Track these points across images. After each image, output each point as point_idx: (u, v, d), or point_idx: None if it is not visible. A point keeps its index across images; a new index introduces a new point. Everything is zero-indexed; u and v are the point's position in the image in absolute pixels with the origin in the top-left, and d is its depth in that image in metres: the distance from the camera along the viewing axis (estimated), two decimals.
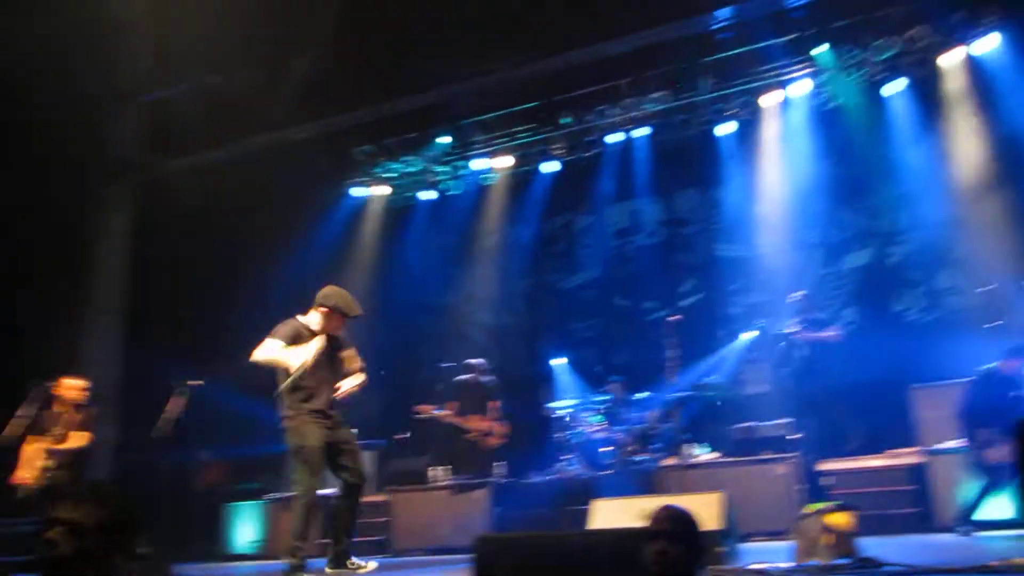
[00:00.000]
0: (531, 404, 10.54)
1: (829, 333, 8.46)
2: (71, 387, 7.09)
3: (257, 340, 10.00)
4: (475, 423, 8.97)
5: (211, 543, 7.08)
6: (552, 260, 12.03)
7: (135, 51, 10.72)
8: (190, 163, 10.85)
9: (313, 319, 5.66)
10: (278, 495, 9.27)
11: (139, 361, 10.08)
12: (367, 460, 9.56)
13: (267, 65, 10.31)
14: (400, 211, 11.99)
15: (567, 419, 9.19)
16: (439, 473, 8.51)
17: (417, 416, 9.00)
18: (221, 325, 9.83)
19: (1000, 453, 5.99)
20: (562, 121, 10.60)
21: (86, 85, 10.02)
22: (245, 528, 9.20)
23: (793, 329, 8.51)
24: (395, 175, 11.54)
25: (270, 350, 5.48)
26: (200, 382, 6.93)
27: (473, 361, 9.48)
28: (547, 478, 8.76)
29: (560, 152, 10.97)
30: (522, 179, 11.44)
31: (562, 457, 8.93)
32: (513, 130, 10.99)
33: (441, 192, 11.70)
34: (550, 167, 11.14)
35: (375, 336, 11.26)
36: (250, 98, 10.27)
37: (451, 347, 10.60)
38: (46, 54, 9.12)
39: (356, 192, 11.79)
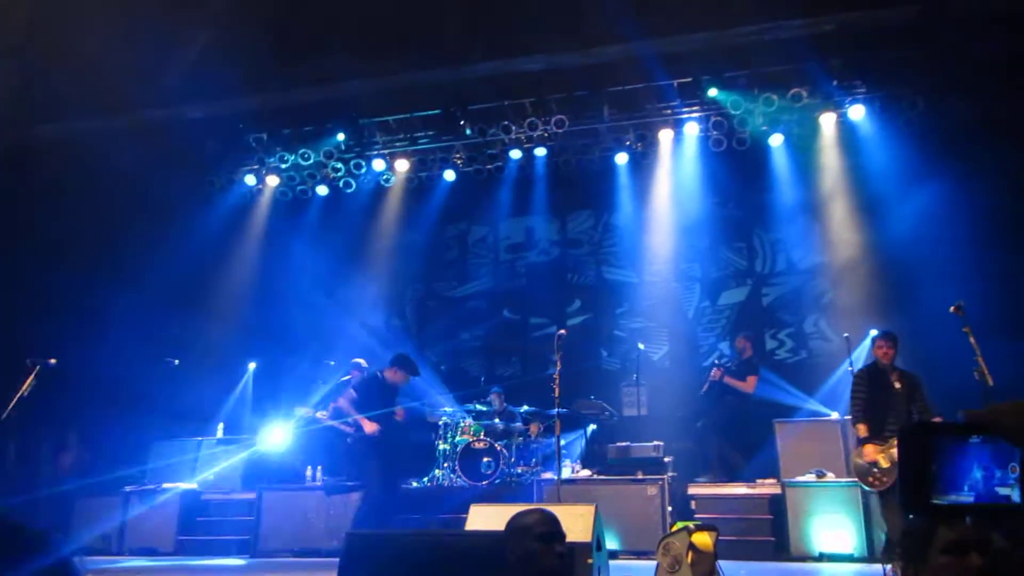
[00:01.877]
0: (413, 409, 10.44)
1: (746, 384, 8.71)
2: None
3: (132, 322, 9.50)
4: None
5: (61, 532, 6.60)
6: (444, 268, 12.00)
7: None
8: (74, 129, 10.17)
9: None
10: (137, 488, 8.82)
11: None
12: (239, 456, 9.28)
13: (164, 38, 9.82)
14: (293, 204, 11.67)
15: (448, 427, 9.14)
16: (315, 473, 8.28)
17: (299, 417, 8.74)
18: (88, 303, 9.24)
19: None
20: (465, 132, 10.61)
21: None
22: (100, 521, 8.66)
23: (715, 372, 8.73)
24: (289, 166, 11.21)
25: None
26: (54, 361, 6.46)
27: (358, 360, 9.31)
28: (425, 484, 8.67)
29: (460, 161, 10.99)
30: (420, 184, 11.37)
31: (442, 465, 8.87)
32: (415, 135, 10.93)
33: (336, 189, 11.45)
34: (449, 175, 11.13)
35: (253, 329, 10.91)
36: (142, 71, 9.75)
37: (336, 345, 10.35)
38: None
39: (248, 180, 11.39)
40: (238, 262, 11.34)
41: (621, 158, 10.61)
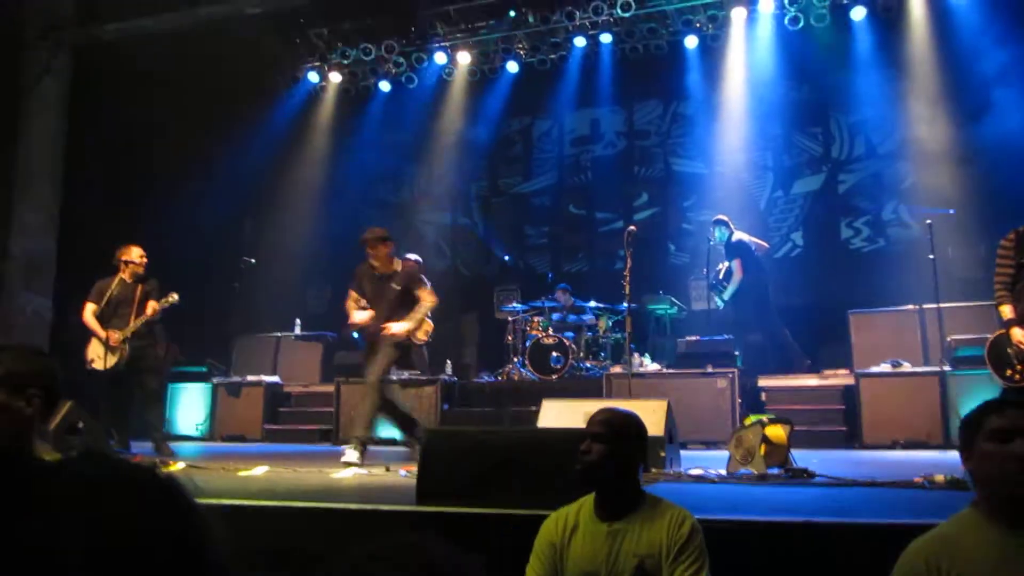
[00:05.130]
0: (482, 306, 10.59)
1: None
2: (136, 254, 6.70)
3: (204, 223, 9.72)
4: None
5: (150, 421, 7.01)
6: (508, 164, 11.87)
7: None
8: (134, 29, 10.20)
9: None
10: (225, 379, 9.24)
11: (75, 232, 9.72)
12: (315, 352, 9.61)
13: None
14: (354, 101, 11.61)
15: (517, 323, 9.26)
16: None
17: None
18: (162, 199, 9.47)
19: None
20: (527, 20, 10.27)
21: None
22: (191, 410, 9.16)
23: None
24: (350, 62, 11.09)
25: None
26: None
27: (409, 256, 9.40)
28: (496, 379, 8.86)
29: (523, 52, 10.69)
30: (482, 77, 11.14)
31: (512, 359, 9.03)
32: (475, 24, 10.63)
33: (399, 84, 11.31)
34: (512, 67, 10.86)
35: (324, 227, 11.08)
36: None
37: (404, 245, 10.47)
38: None
39: (311, 77, 11.34)
40: (306, 161, 11.44)
41: (691, 42, 10.16)
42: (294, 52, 11.21)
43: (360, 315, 6.09)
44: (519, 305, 9.42)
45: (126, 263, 6.70)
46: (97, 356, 6.54)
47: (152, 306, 6.58)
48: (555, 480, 3.28)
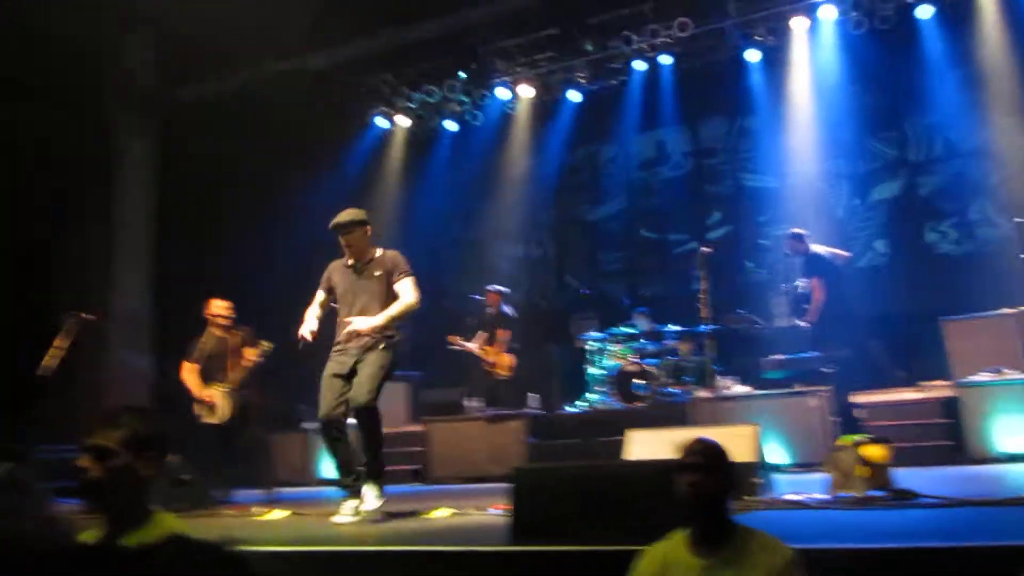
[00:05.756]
0: (561, 336, 10.59)
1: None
2: (222, 307, 7.02)
3: (283, 268, 10.02)
4: (489, 353, 9.07)
5: (257, 469, 7.20)
6: (577, 191, 11.93)
7: None
8: (209, 90, 10.73)
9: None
10: (314, 425, 9.37)
11: (169, 289, 10.16)
12: (401, 392, 9.74)
13: None
14: (423, 143, 11.86)
15: (597, 351, 9.22)
16: (474, 404, 8.62)
17: (450, 346, 9.09)
18: (248, 253, 9.86)
19: None
20: (584, 48, 10.35)
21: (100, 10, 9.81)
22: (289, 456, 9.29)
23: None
24: (416, 105, 11.37)
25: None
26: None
27: (491, 288, 9.47)
28: (580, 410, 8.83)
29: (583, 80, 10.75)
30: (545, 109, 11.26)
31: (595, 389, 8.99)
32: (534, 58, 10.76)
33: (464, 123, 11.53)
34: (574, 96, 10.94)
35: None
36: (267, 22, 10.05)
37: (479, 279, 10.58)
38: None
39: (379, 122, 11.65)
40: (378, 204, 11.68)
41: (752, 55, 10.06)
42: (361, 100, 11.54)
43: (310, 315, 5.13)
44: (597, 333, 9.40)
45: (213, 317, 6.96)
46: (205, 410, 6.75)
47: (248, 355, 6.79)
48: (647, 514, 3.26)
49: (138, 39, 10.80)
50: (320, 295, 5.23)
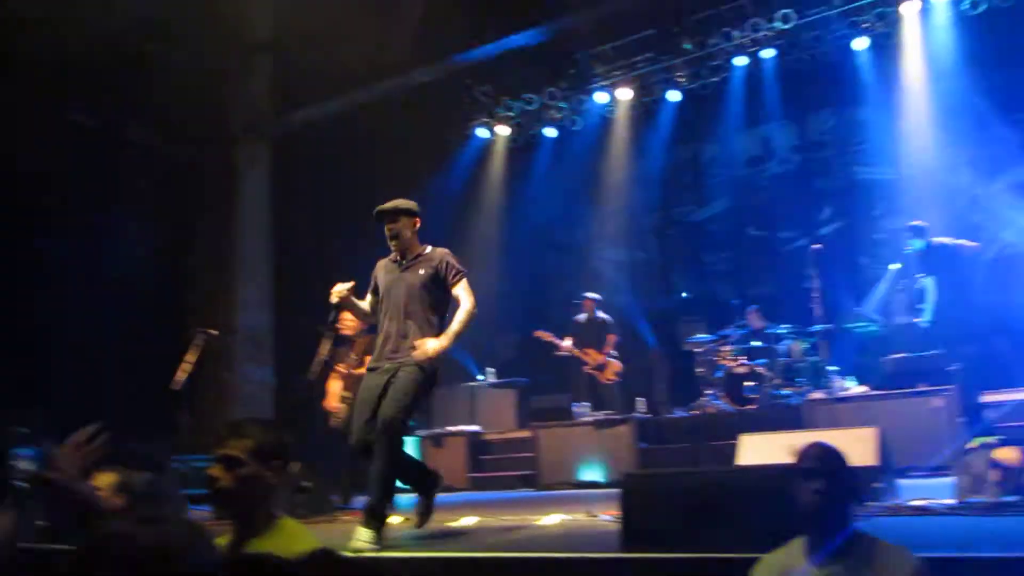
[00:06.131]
0: (669, 339, 10.50)
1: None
2: (351, 320, 7.39)
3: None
4: (591, 356, 9.07)
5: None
6: (680, 192, 11.79)
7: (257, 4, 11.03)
8: (317, 113, 11.19)
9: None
10: (427, 432, 9.64)
11: (289, 305, 10.65)
12: (510, 398, 9.85)
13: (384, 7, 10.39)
14: (524, 150, 12.00)
15: (707, 353, 9.09)
16: (584, 408, 8.65)
17: (538, 338, 9.17)
18: (359, 266, 10.20)
19: None
20: (683, 47, 10.22)
21: (214, 42, 10.39)
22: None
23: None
24: (516, 114, 11.51)
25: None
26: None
27: (588, 295, 9.50)
28: (690, 413, 8.73)
29: (683, 80, 10.62)
30: (645, 110, 11.19)
31: (704, 392, 8.87)
32: (633, 60, 10.71)
33: (564, 129, 11.59)
34: (673, 96, 10.81)
35: (506, 276, 11.45)
36: (370, 42, 10.41)
37: (584, 285, 10.61)
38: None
39: (480, 133, 11.85)
40: (482, 214, 11.91)
41: (860, 43, 9.70)
42: (462, 112, 11.78)
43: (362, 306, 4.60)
44: (706, 335, 9.25)
45: (343, 329, 7.22)
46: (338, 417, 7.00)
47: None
48: (763, 522, 3.20)
49: (257, 64, 11.39)
50: (368, 298, 4.71)
